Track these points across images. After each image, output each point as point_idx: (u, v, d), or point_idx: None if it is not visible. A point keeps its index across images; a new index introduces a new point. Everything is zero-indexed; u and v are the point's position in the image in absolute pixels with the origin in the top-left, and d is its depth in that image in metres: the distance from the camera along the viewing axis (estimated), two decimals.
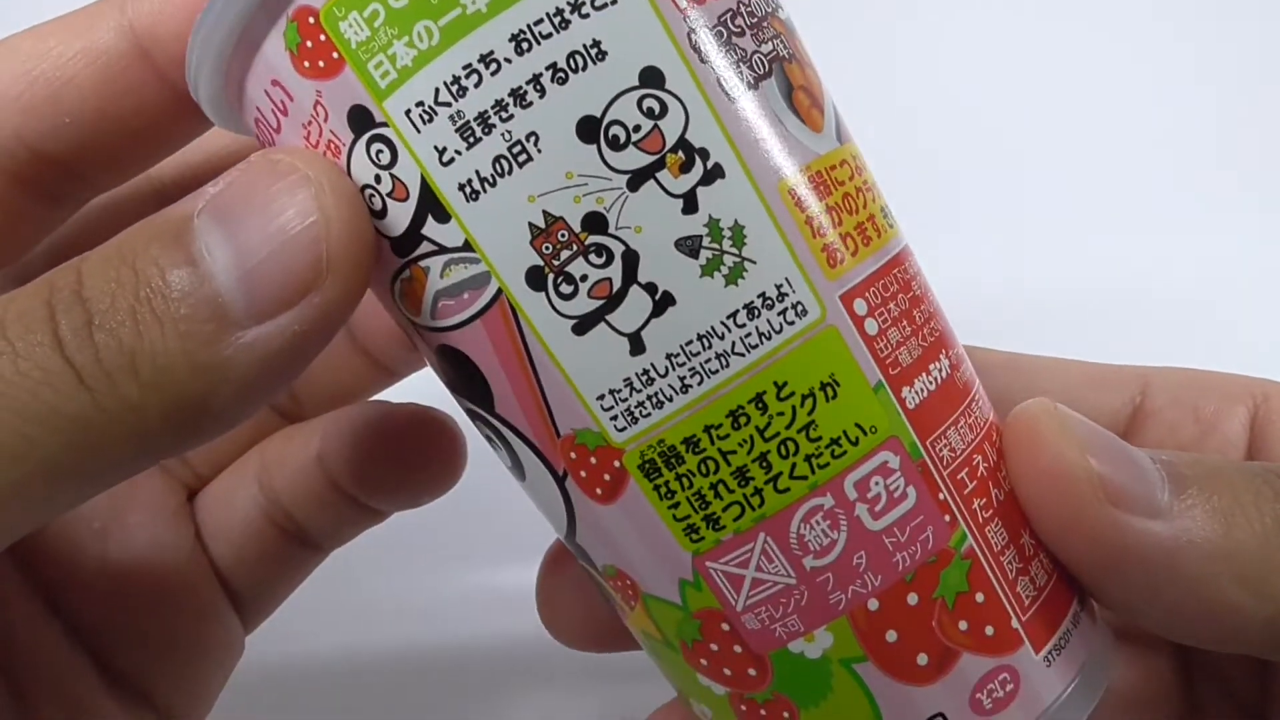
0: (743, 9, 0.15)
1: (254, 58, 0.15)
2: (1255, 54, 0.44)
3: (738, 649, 0.16)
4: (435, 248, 0.14)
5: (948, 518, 0.15)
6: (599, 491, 0.15)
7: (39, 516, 0.14)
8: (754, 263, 0.14)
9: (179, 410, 0.13)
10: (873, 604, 0.15)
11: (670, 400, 0.14)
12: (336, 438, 0.22)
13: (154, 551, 0.21)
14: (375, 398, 0.24)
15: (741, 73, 0.14)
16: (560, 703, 0.30)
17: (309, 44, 0.14)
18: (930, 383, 0.15)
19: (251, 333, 0.14)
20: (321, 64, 0.14)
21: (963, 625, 0.15)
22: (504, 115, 0.14)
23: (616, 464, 0.15)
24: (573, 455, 0.15)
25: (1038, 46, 0.43)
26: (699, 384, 0.14)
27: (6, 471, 0.13)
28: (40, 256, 0.19)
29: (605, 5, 0.14)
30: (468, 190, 0.14)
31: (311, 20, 0.14)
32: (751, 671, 0.16)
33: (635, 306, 0.14)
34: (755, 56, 0.14)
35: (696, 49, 0.14)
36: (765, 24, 0.15)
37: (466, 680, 0.31)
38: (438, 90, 0.14)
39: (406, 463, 0.22)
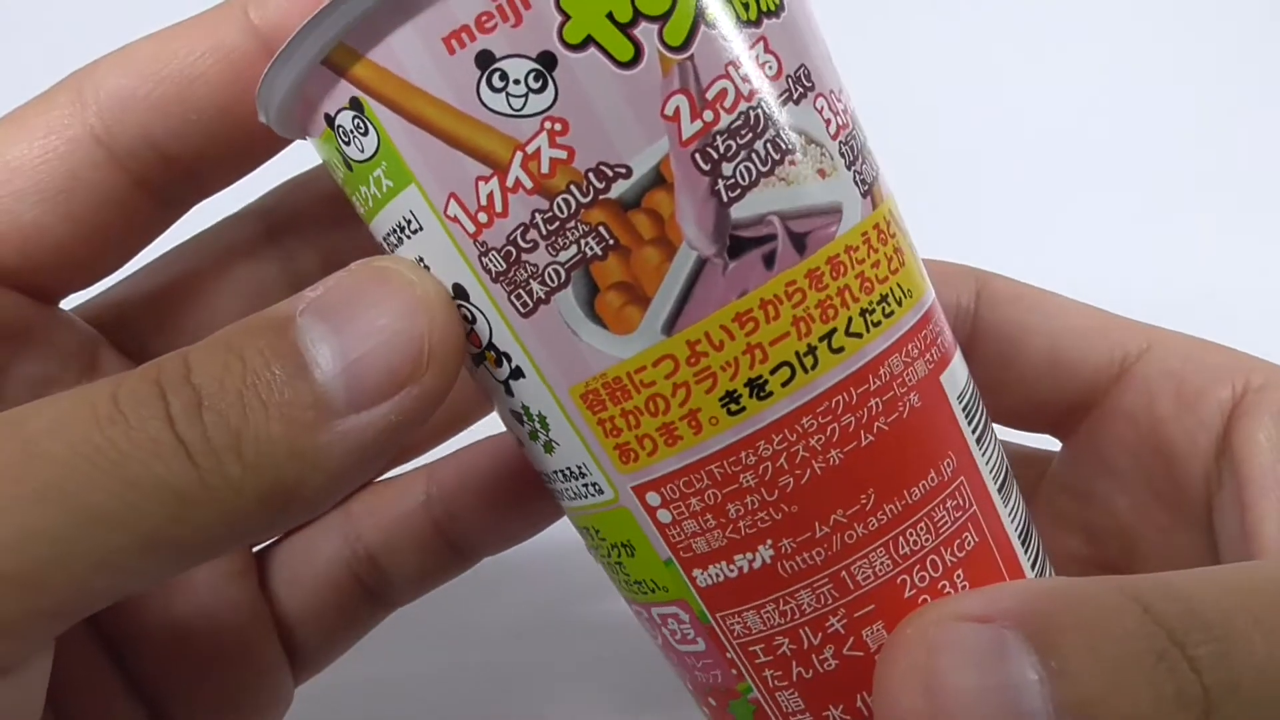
0: (539, 219, 0.14)
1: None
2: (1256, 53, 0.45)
3: None
4: None
5: (734, 671, 0.16)
6: None
7: (126, 587, 0.14)
8: (558, 444, 0.16)
9: (274, 493, 0.14)
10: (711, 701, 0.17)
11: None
12: (451, 481, 0.23)
13: (218, 609, 0.21)
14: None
15: (531, 289, 0.14)
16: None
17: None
18: (731, 571, 0.15)
19: (349, 421, 0.14)
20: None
21: None
22: None
23: None
24: None
25: (1043, 50, 0.44)
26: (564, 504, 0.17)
27: (108, 537, 0.13)
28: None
29: (418, 230, 0.15)
30: None
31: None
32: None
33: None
34: (549, 269, 0.14)
35: (487, 269, 0.15)
36: (571, 225, 0.14)
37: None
38: (386, 236, 0.16)
39: (517, 500, 0.23)
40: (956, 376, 0.17)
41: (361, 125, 0.15)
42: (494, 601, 0.30)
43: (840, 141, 0.15)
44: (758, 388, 0.15)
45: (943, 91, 0.42)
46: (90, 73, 0.18)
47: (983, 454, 0.17)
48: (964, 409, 0.16)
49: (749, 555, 0.15)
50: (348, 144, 0.15)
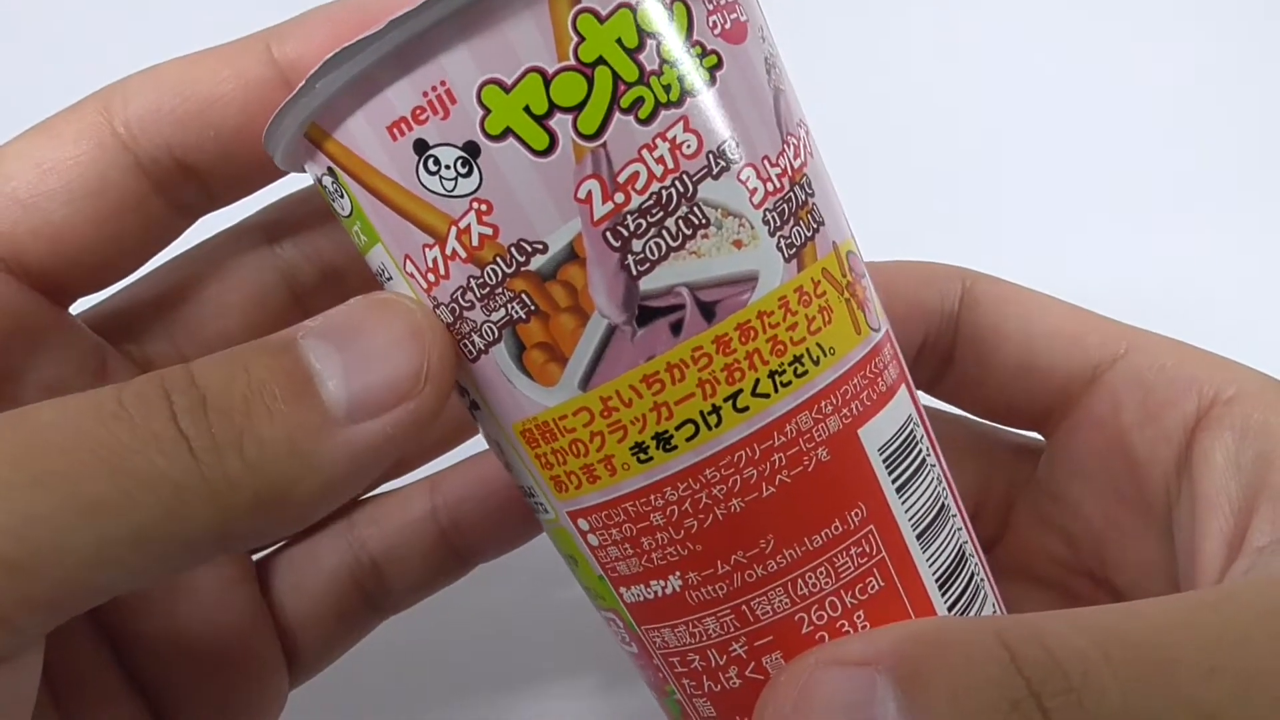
0: (473, 284, 0.16)
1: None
2: (1254, 52, 0.44)
3: None
4: None
5: (660, 675, 0.18)
6: None
7: (117, 584, 0.14)
8: (513, 467, 0.18)
9: (270, 492, 0.15)
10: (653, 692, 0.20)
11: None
12: (456, 491, 0.24)
13: (221, 613, 0.22)
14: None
15: (473, 340, 0.16)
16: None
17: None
18: (648, 593, 0.17)
19: (350, 430, 0.15)
20: None
21: None
22: None
23: None
24: None
25: (1032, 47, 0.44)
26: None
27: (104, 527, 0.14)
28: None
29: (390, 279, 0.17)
30: None
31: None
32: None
33: None
34: (485, 325, 0.16)
35: (442, 317, 0.16)
36: (499, 291, 0.16)
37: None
38: (375, 274, 0.18)
39: (517, 508, 0.24)
40: (882, 428, 0.17)
41: (338, 190, 0.17)
42: (484, 598, 0.30)
43: (767, 209, 0.16)
44: (664, 441, 0.16)
45: (937, 94, 0.43)
46: (119, 88, 0.19)
47: (904, 502, 0.17)
48: (887, 459, 0.17)
49: (661, 582, 0.17)
50: (332, 201, 0.17)
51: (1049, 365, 0.22)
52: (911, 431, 0.18)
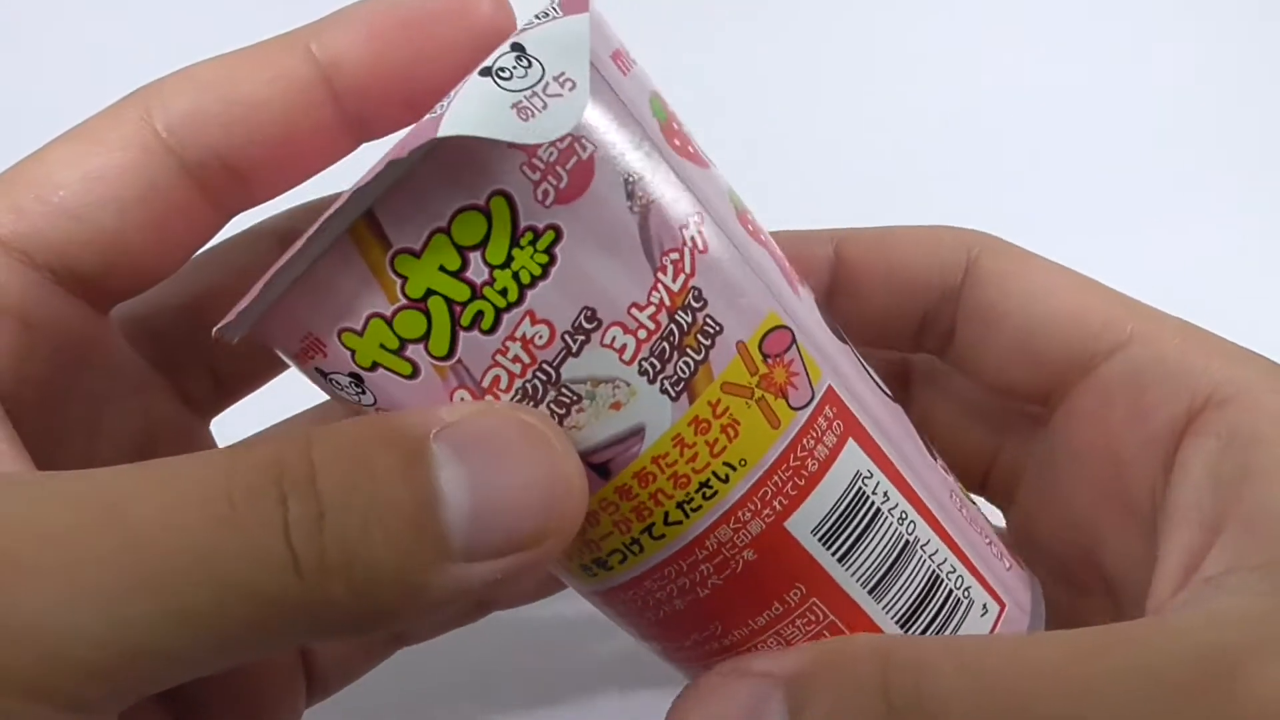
0: None
1: None
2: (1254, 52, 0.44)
3: None
4: None
5: None
6: None
7: (188, 676, 0.14)
8: None
9: (365, 617, 0.14)
10: None
11: None
12: None
13: None
14: None
15: None
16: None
17: None
18: (652, 646, 0.20)
19: (460, 568, 0.14)
20: None
21: None
22: None
23: None
24: None
25: (1035, 46, 0.44)
26: None
27: (187, 634, 0.13)
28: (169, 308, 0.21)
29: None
30: None
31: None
32: None
33: None
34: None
35: None
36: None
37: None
38: None
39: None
40: (813, 511, 0.17)
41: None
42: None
43: (642, 358, 0.16)
44: (601, 565, 0.18)
45: (938, 93, 0.42)
46: (157, 92, 0.18)
47: (847, 569, 0.18)
48: (822, 538, 0.17)
49: (648, 644, 0.20)
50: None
51: (1046, 348, 0.21)
52: (859, 489, 0.18)
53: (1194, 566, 0.17)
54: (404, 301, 0.15)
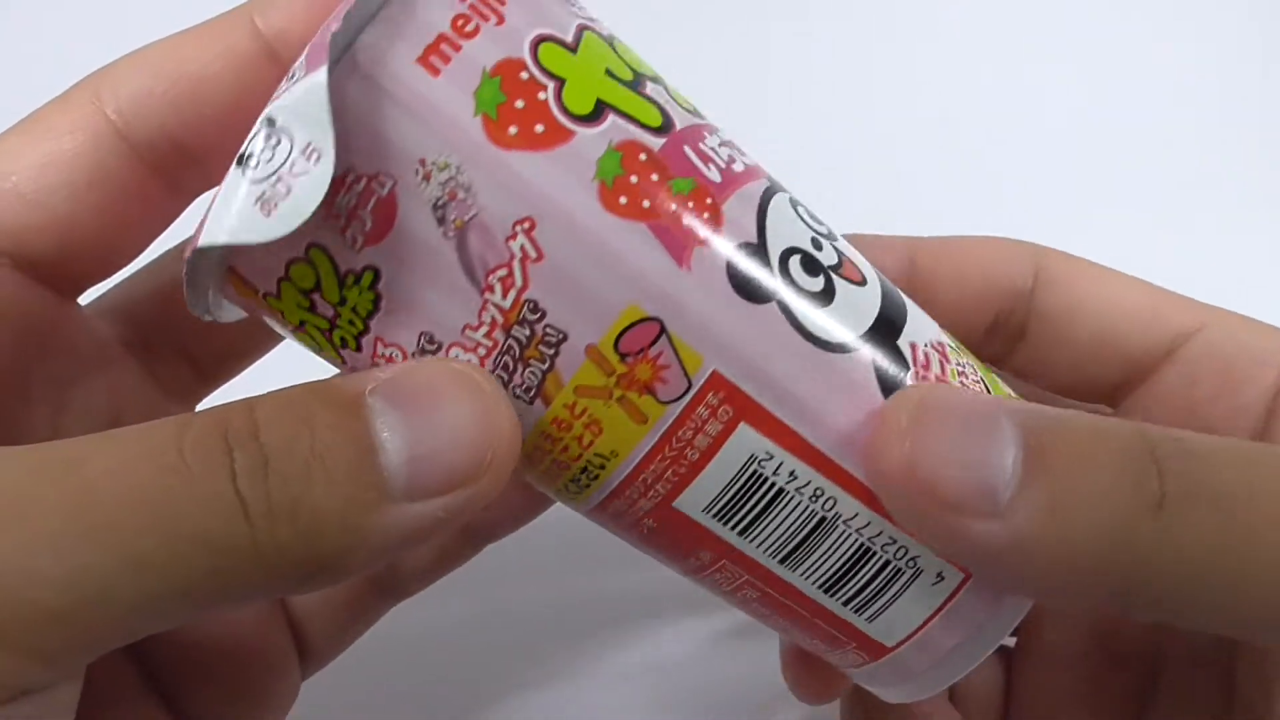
0: None
1: None
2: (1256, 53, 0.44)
3: None
4: None
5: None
6: None
7: (155, 628, 0.15)
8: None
9: (315, 560, 0.15)
10: None
11: None
12: None
13: None
14: None
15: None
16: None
17: None
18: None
19: (402, 508, 0.15)
20: None
21: None
22: None
23: None
24: None
25: (1042, 45, 0.43)
26: None
27: (143, 582, 0.14)
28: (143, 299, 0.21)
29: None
30: None
31: None
32: None
33: None
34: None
35: None
36: None
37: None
38: None
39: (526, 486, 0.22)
40: (701, 492, 0.17)
41: None
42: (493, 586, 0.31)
43: (490, 371, 0.17)
44: (577, 484, 0.18)
45: (941, 92, 0.42)
46: (106, 75, 0.19)
47: (752, 540, 0.18)
48: (718, 514, 0.17)
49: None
50: None
51: (1125, 340, 0.22)
52: (754, 471, 0.17)
53: None
54: (293, 325, 0.17)
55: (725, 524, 0.18)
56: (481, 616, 0.31)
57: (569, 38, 0.17)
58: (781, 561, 0.18)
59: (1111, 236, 0.31)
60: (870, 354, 0.17)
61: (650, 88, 0.17)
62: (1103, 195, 0.41)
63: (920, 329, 0.19)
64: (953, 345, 0.19)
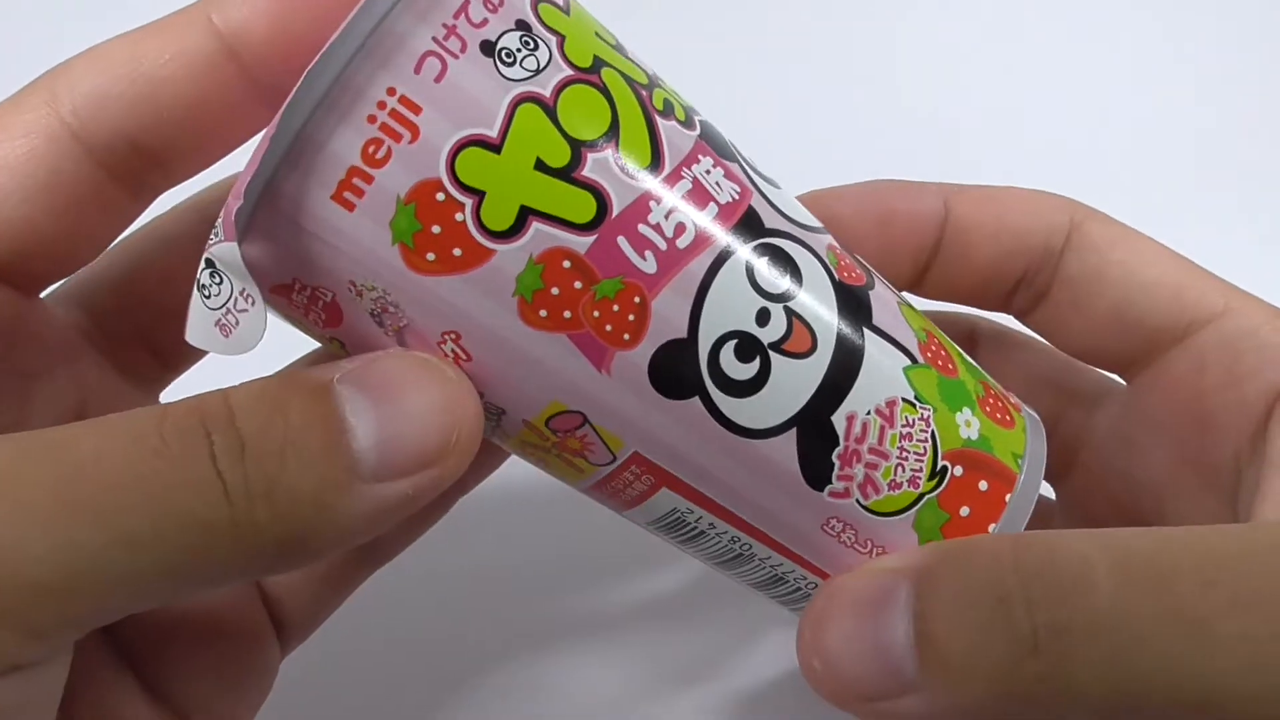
0: None
1: None
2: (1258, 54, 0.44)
3: None
4: None
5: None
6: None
7: (140, 606, 0.15)
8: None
9: (290, 539, 0.15)
10: None
11: None
12: None
13: None
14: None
15: None
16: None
17: None
18: None
19: (373, 488, 0.16)
20: None
21: None
22: None
23: None
24: None
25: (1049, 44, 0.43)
26: None
27: (130, 559, 0.14)
28: (103, 286, 0.21)
29: None
30: None
31: None
32: None
33: None
34: None
35: None
36: None
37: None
38: None
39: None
40: (641, 515, 0.20)
41: None
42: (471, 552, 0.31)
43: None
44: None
45: (945, 92, 0.42)
46: (63, 75, 0.18)
47: (691, 550, 0.21)
48: (659, 530, 0.20)
49: None
50: None
51: (1143, 316, 0.22)
52: (678, 517, 0.19)
53: None
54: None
55: (667, 536, 0.20)
56: (459, 575, 0.31)
57: (495, 130, 0.16)
58: (717, 566, 0.21)
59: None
60: (794, 435, 0.18)
61: (593, 154, 0.17)
62: (1102, 195, 0.41)
63: (872, 389, 0.18)
64: (906, 399, 0.19)
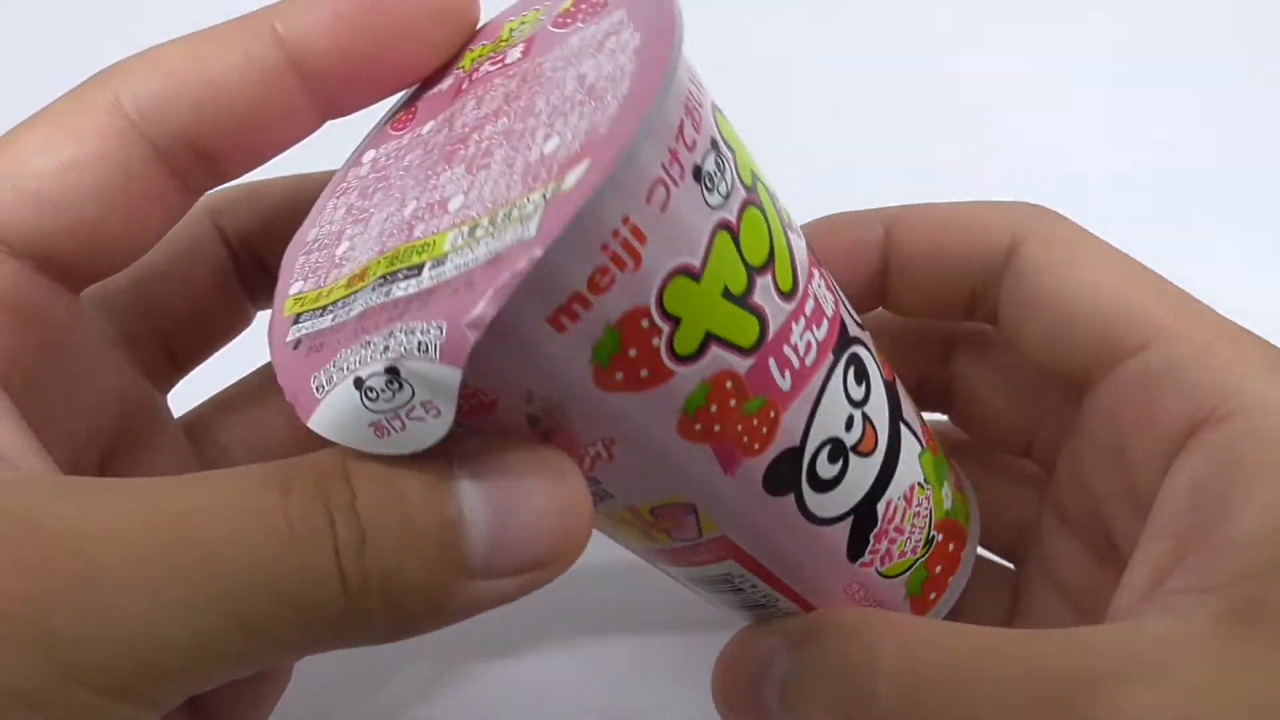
0: None
1: None
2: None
3: None
4: None
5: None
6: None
7: (243, 674, 0.15)
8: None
9: (393, 626, 0.15)
10: None
11: None
12: None
13: None
14: None
15: None
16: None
17: None
18: None
19: (479, 584, 0.15)
20: None
21: None
22: None
23: None
24: None
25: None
26: None
27: (247, 642, 0.14)
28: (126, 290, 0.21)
29: None
30: None
31: None
32: None
33: None
34: None
35: None
36: None
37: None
38: None
39: None
40: (688, 574, 0.21)
41: None
42: None
43: None
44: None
45: (950, 91, 0.43)
46: (124, 75, 0.18)
47: (718, 597, 0.22)
48: (696, 584, 0.22)
49: None
50: None
51: (1075, 342, 0.21)
52: (727, 577, 0.21)
53: (1160, 580, 0.18)
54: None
55: (695, 585, 0.22)
56: None
57: (698, 259, 0.16)
58: (718, 602, 0.23)
59: (1111, 236, 0.32)
60: (850, 522, 0.20)
61: (760, 279, 0.17)
62: (1102, 196, 0.41)
63: (902, 478, 0.21)
64: (919, 483, 0.21)
